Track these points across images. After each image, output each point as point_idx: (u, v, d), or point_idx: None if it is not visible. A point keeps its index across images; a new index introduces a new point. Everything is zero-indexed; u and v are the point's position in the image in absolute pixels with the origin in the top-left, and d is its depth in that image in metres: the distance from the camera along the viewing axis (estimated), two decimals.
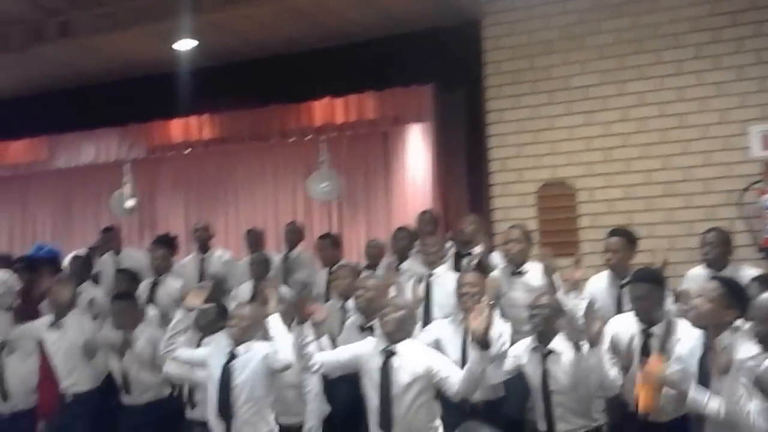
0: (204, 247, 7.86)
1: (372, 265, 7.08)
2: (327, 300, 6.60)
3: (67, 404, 6.33)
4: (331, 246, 7.27)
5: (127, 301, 6.16)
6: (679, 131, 6.51)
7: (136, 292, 6.81)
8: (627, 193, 6.66)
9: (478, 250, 6.38)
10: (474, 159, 7.41)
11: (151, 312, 6.72)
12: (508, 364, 4.92)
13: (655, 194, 6.58)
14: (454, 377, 4.52)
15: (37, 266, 7.92)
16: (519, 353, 4.89)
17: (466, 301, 5.10)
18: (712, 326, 4.01)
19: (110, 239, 8.21)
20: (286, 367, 4.87)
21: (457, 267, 6.38)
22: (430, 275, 6.10)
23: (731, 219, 6.20)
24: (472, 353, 4.47)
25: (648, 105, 6.62)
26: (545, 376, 4.73)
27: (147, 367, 5.96)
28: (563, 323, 4.84)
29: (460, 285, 5.27)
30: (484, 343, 4.41)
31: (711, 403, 3.91)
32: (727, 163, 6.38)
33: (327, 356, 4.90)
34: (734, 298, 4.04)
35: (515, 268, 5.78)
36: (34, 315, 6.85)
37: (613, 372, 4.55)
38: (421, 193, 8.64)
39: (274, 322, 4.91)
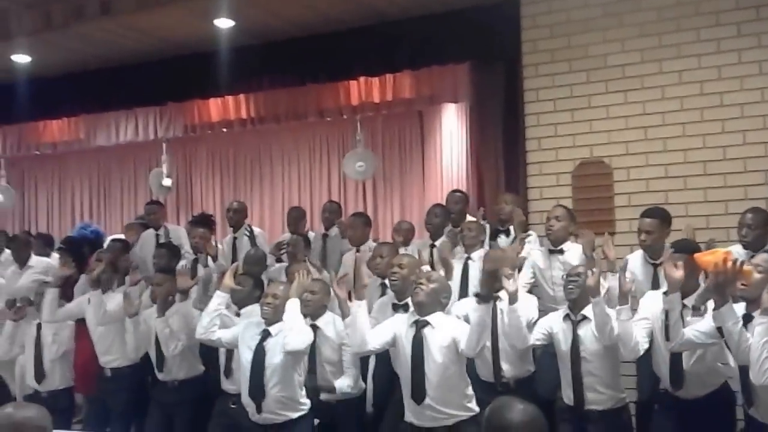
0: (237, 227, 7.94)
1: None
2: (354, 280, 6.64)
3: (106, 379, 6.49)
4: (362, 225, 7.29)
5: (166, 275, 6.28)
6: (717, 110, 6.47)
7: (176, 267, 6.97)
8: (664, 172, 6.65)
9: (512, 228, 6.48)
10: (510, 138, 7.44)
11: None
12: (539, 330, 5.02)
13: (691, 173, 6.56)
14: (464, 337, 4.61)
15: (81, 246, 8.10)
16: (551, 322, 4.99)
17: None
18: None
19: (152, 212, 8.32)
20: (294, 353, 4.93)
21: (494, 244, 6.47)
22: (468, 258, 6.19)
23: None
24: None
25: (686, 84, 6.58)
26: (575, 341, 4.82)
27: (182, 344, 6.05)
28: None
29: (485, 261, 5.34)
30: (484, 294, 4.56)
31: (740, 326, 3.98)
32: (765, 143, 6.34)
33: (376, 337, 4.90)
34: None
35: (554, 245, 5.86)
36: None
37: (640, 335, 4.63)
38: (456, 173, 8.70)
39: (291, 306, 4.98)
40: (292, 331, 4.89)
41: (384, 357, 5.44)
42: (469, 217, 6.91)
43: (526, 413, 2.72)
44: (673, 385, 4.73)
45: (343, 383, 5.49)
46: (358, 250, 7.05)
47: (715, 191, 6.46)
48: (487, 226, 6.70)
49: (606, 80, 6.86)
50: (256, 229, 8.16)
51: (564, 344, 4.90)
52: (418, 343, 4.66)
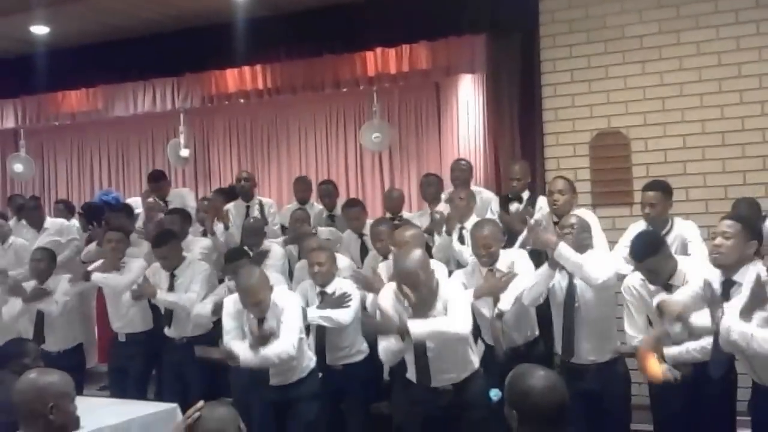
0: (247, 196, 7.91)
1: (394, 215, 7.15)
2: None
3: (120, 345, 6.56)
4: (363, 213, 7.10)
5: (170, 242, 6.24)
6: (735, 81, 6.38)
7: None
8: (682, 142, 6.56)
9: (526, 195, 6.52)
10: (527, 109, 7.32)
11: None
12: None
13: (709, 144, 6.48)
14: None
15: (101, 212, 8.10)
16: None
17: (485, 261, 5.24)
18: (734, 263, 4.03)
19: (157, 189, 8.24)
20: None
21: (505, 208, 6.51)
22: (462, 228, 6.11)
23: None
24: None
25: (704, 54, 6.48)
26: (570, 290, 4.83)
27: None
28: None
29: (476, 242, 5.30)
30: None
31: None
32: None
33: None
34: (750, 230, 4.10)
35: (559, 218, 5.82)
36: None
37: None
38: (473, 144, 8.61)
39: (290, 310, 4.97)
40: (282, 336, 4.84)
41: None
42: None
43: (547, 379, 2.80)
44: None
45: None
46: (361, 236, 6.87)
47: (734, 162, 6.40)
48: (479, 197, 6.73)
49: (624, 51, 6.77)
50: (267, 200, 8.10)
51: (559, 294, 4.92)
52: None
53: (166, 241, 6.22)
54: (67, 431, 3.23)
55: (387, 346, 4.53)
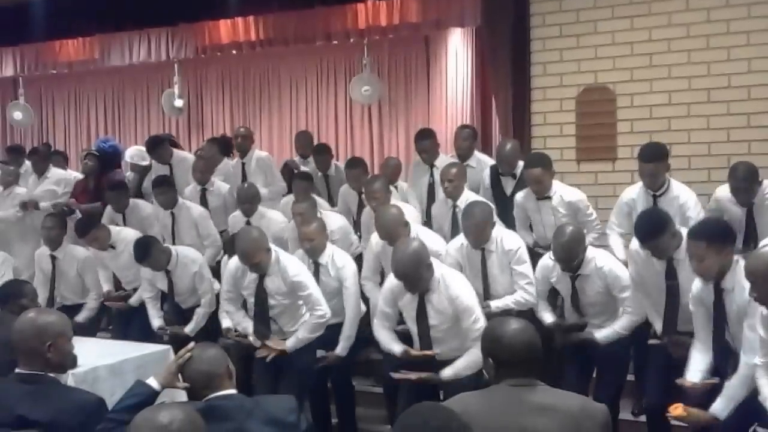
0: (244, 152, 7.71)
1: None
2: (357, 224, 6.53)
3: (130, 295, 6.53)
4: (363, 174, 6.79)
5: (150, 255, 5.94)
6: (723, 37, 6.22)
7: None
8: (667, 99, 6.43)
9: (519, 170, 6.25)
10: (517, 63, 7.17)
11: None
12: (542, 287, 5.02)
13: (695, 101, 6.35)
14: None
15: (101, 160, 8.04)
16: (548, 274, 4.90)
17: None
18: (719, 273, 3.91)
19: (158, 157, 7.97)
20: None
21: (497, 186, 6.34)
22: (455, 206, 5.95)
23: None
24: None
25: (693, 10, 6.32)
26: (575, 293, 4.77)
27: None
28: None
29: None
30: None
31: None
32: None
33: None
34: (718, 240, 3.90)
35: (541, 197, 5.75)
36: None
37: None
38: (461, 98, 8.53)
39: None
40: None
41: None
42: (444, 158, 6.75)
43: (517, 323, 2.88)
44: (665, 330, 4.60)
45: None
46: (361, 194, 6.61)
47: (718, 119, 6.28)
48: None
49: (612, 5, 6.60)
50: (263, 153, 7.98)
51: (564, 293, 4.86)
52: (422, 312, 4.61)
53: (146, 256, 5.91)
54: (65, 369, 3.27)
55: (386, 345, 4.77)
